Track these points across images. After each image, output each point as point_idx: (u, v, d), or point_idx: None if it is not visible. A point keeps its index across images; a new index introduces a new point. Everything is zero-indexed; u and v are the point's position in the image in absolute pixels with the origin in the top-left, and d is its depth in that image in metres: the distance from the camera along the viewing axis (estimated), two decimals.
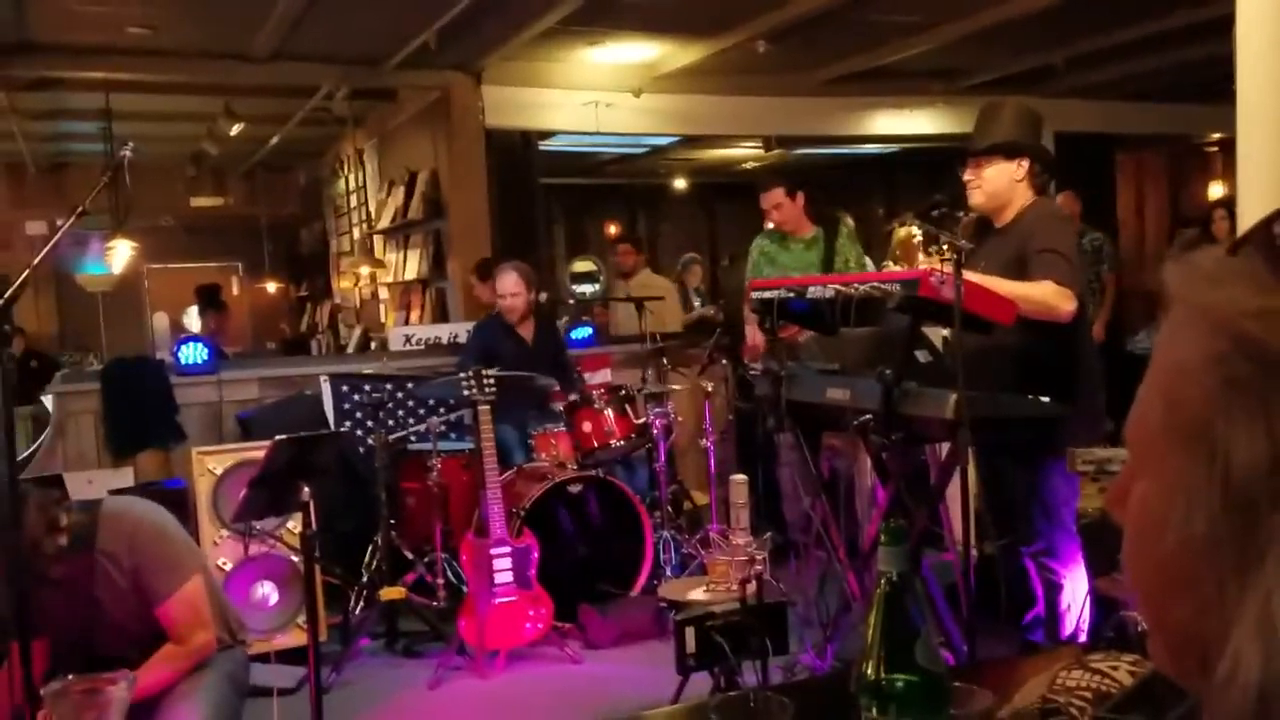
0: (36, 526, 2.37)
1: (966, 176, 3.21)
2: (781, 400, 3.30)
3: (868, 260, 5.01)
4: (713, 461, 5.21)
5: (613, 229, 13.52)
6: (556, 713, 3.82)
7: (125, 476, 4.92)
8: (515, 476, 4.74)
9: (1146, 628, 0.62)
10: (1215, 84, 5.02)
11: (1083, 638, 3.06)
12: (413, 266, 8.04)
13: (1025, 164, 3.19)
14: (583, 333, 6.50)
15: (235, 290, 12.25)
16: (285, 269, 12.21)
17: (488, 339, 5.28)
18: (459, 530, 4.71)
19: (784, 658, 3.14)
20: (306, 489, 2.55)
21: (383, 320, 8.88)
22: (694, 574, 4.72)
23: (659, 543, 4.85)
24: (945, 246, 2.69)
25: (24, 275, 2.07)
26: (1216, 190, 10.61)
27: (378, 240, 8.80)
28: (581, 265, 12.20)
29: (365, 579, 4.59)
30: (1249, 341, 0.53)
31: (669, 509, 5.13)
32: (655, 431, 5.06)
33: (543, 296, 6.75)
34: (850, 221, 5.05)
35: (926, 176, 9.03)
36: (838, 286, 3.01)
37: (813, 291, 3.18)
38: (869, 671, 0.99)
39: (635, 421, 5.06)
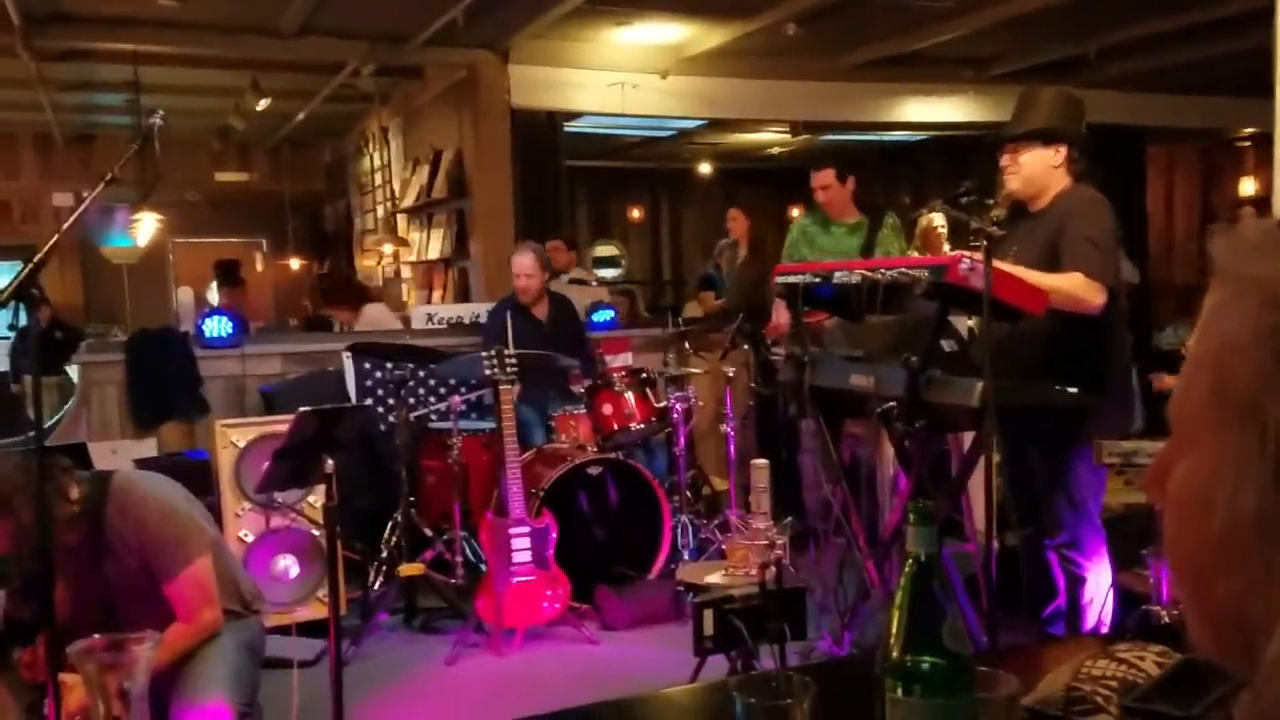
0: (47, 493, 2.38)
1: (1003, 162, 3.17)
2: (805, 386, 3.28)
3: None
4: (733, 447, 5.20)
5: (636, 212, 13.50)
6: (572, 692, 3.82)
7: (149, 447, 4.96)
8: (535, 457, 4.75)
9: (1186, 609, 0.61)
10: (1251, 77, 4.93)
11: (1104, 632, 3.04)
12: (435, 246, 8.05)
13: (1063, 151, 3.15)
14: (604, 315, 6.49)
15: (259, 266, 12.30)
16: (309, 246, 12.24)
17: (501, 321, 5.28)
18: (478, 509, 4.73)
19: (801, 643, 3.14)
20: (330, 461, 2.55)
21: (405, 299, 8.90)
22: (711, 559, 4.72)
23: (677, 527, 4.84)
24: (975, 233, 2.66)
25: (53, 240, 2.07)
26: (1248, 186, 10.48)
27: (401, 219, 8.81)
28: (604, 249, 12.20)
29: (384, 555, 4.60)
30: None
31: (688, 493, 5.12)
32: (675, 415, 5.05)
33: (564, 278, 6.77)
34: (895, 218, 5.00)
35: (954, 164, 8.96)
36: (864, 272, 2.99)
37: (839, 277, 3.16)
38: (894, 652, 0.98)
39: (656, 405, 5.05)
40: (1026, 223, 3.21)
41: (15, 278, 2.04)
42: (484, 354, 4.27)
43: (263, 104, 7.61)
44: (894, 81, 7.77)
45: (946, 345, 3.11)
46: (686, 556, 4.86)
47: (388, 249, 8.84)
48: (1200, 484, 0.56)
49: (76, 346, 5.82)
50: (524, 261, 5.27)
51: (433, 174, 7.73)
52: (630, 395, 4.99)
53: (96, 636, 0.98)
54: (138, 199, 8.55)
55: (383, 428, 5.13)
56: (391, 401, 4.86)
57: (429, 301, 7.94)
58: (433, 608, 4.52)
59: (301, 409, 2.81)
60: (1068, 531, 3.11)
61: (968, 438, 3.37)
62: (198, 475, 4.16)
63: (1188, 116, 9.01)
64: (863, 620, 3.48)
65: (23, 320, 2.12)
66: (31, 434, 2.29)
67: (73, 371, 5.68)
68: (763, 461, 3.15)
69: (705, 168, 12.54)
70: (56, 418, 5.46)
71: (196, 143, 10.30)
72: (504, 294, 5.67)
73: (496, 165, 6.92)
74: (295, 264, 12.21)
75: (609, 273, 11.20)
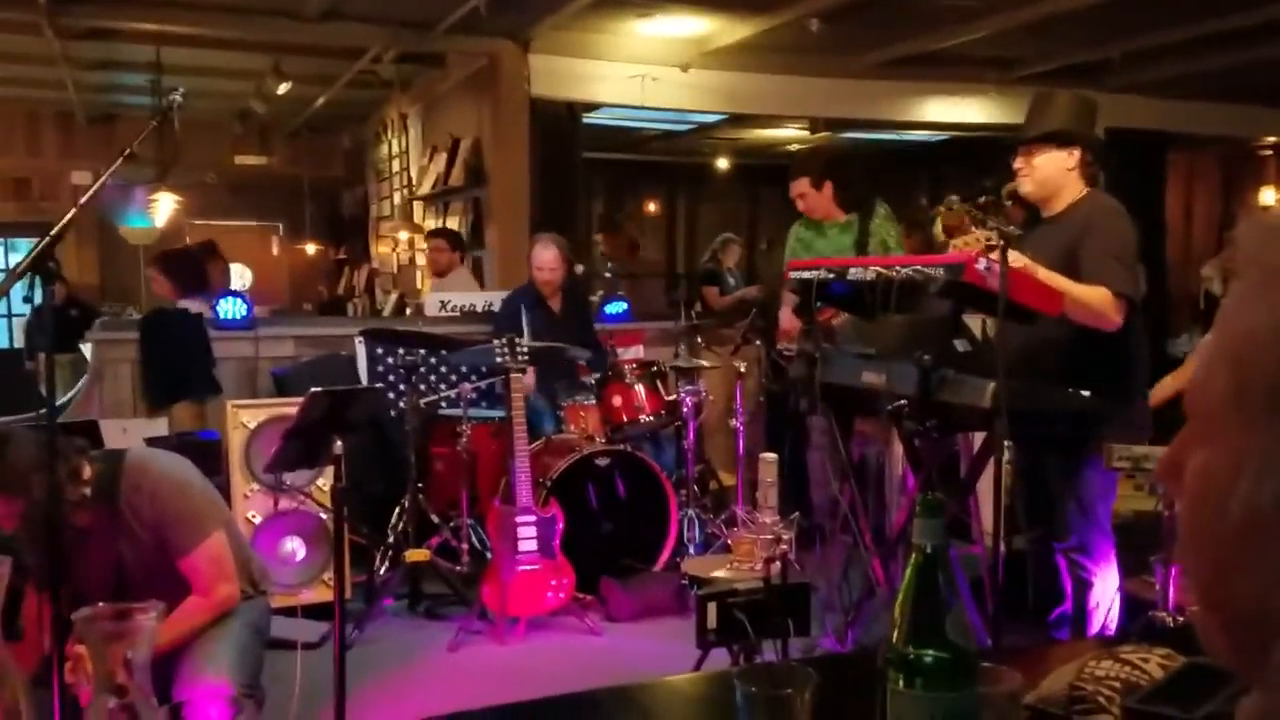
0: (60, 474, 2.39)
1: (1017, 164, 3.15)
2: (815, 382, 3.27)
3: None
4: (741, 443, 5.20)
5: (651, 206, 13.48)
6: (574, 682, 3.80)
7: (160, 426, 4.97)
8: (544, 447, 4.75)
9: (1199, 607, 0.60)
10: (1275, 86, 4.91)
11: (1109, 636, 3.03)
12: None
13: (1077, 154, 3.13)
14: (617, 308, 6.48)
15: (275, 251, 12.33)
16: (325, 231, 12.27)
17: (516, 309, 5.28)
18: (485, 497, 4.73)
19: (804, 639, 3.13)
20: (340, 442, 2.56)
21: (419, 286, 8.91)
22: (717, 553, 4.72)
23: (683, 520, 4.85)
24: (993, 233, 2.65)
25: (71, 213, 2.08)
26: (1269, 196, 10.41)
27: (418, 206, 8.83)
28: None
29: (391, 540, 4.62)
30: None
31: (695, 488, 5.12)
32: (685, 409, 5.05)
33: (579, 269, 6.76)
34: (885, 206, 4.97)
35: (974, 166, 8.92)
36: (879, 269, 2.98)
37: (853, 273, 3.15)
38: (898, 644, 0.98)
39: (666, 398, 5.05)
40: (1042, 228, 3.19)
41: (32, 250, 2.05)
42: (496, 342, 4.28)
43: (284, 88, 7.62)
44: (916, 81, 7.73)
45: (960, 345, 3.10)
46: (692, 551, 4.86)
47: (403, 236, 8.85)
48: (1217, 477, 0.55)
49: (91, 324, 5.84)
50: (546, 255, 5.26)
51: (450, 162, 7.73)
52: (640, 388, 4.99)
53: (101, 605, 0.98)
54: (156, 179, 8.58)
55: (393, 413, 5.14)
56: (402, 387, 4.87)
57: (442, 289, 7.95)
58: (437, 594, 4.53)
59: (313, 389, 2.82)
60: (1076, 536, 3.10)
61: (978, 439, 3.36)
62: (208, 455, 4.18)
63: (1210, 123, 8.94)
64: (866, 618, 3.47)
65: (38, 295, 2.13)
66: (44, 411, 2.30)
67: (86, 349, 5.71)
68: (771, 456, 3.14)
69: (723, 163, 12.51)
70: (69, 395, 5.49)
71: (217, 125, 10.32)
72: (519, 283, 5.67)
73: (514, 155, 6.92)
74: (311, 249, 12.24)
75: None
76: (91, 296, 10.23)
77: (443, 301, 6.26)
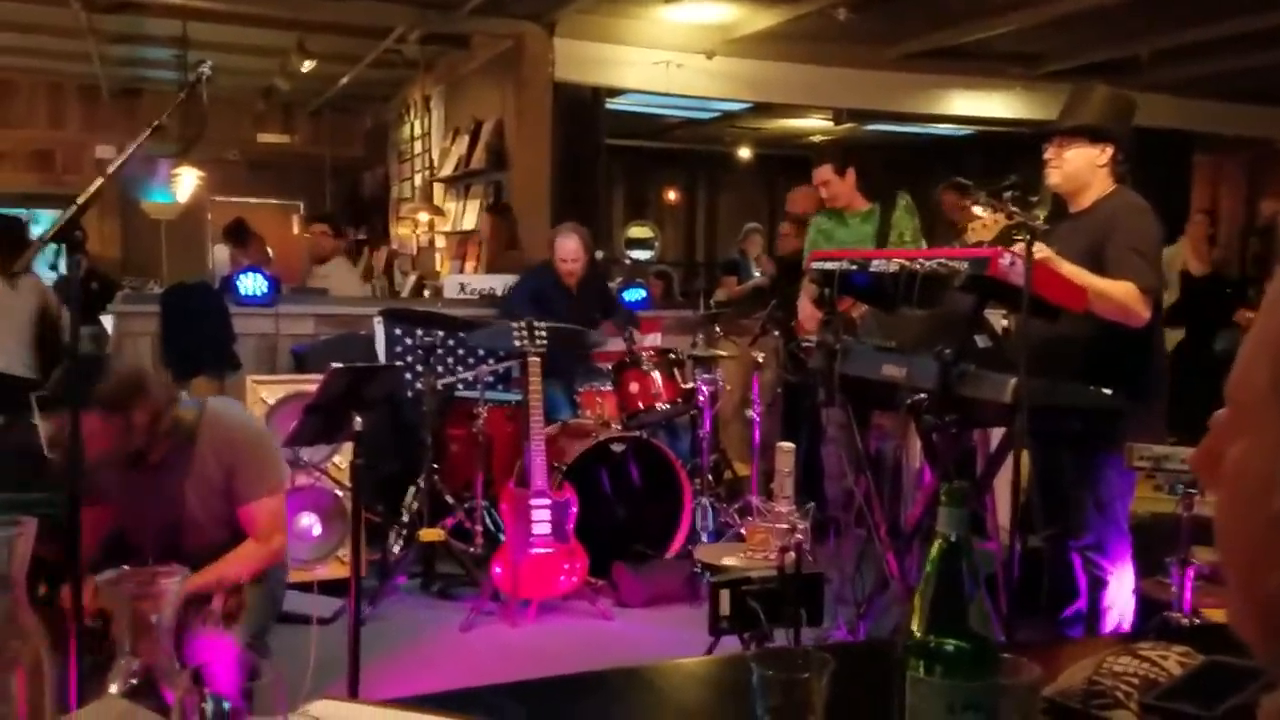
0: (147, 409, 2.51)
1: (1047, 155, 3.14)
2: (834, 373, 3.26)
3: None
4: (757, 433, 5.19)
5: (672, 194, 13.45)
6: (584, 665, 3.81)
7: None
8: (559, 431, 4.76)
9: (1233, 599, 0.59)
10: None
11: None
12: (471, 217, 8.06)
13: (1109, 151, 3.11)
14: (636, 295, 6.48)
15: (295, 229, 12.36)
16: (345, 211, 12.29)
17: (539, 286, 5.27)
18: (500, 479, 4.75)
19: (816, 630, 3.13)
20: (359, 419, 2.58)
21: (437, 269, 8.92)
22: (729, 542, 4.72)
23: (697, 509, 4.84)
24: (1018, 228, 2.63)
25: (97, 183, 2.09)
26: None
27: (438, 188, 8.83)
28: (638, 230, 12.16)
29: (405, 519, 4.64)
30: None
31: (709, 476, 5.12)
32: (701, 398, 5.04)
33: (599, 255, 6.75)
34: (907, 196, 4.95)
35: (996, 162, 8.85)
36: (902, 261, 2.96)
37: (876, 265, 3.13)
38: (918, 632, 0.98)
39: (682, 386, 5.04)
40: (1067, 223, 3.17)
41: (59, 219, 2.06)
42: (514, 325, 4.28)
43: (308, 66, 7.63)
44: (941, 74, 7.68)
45: (981, 341, 3.08)
46: (705, 539, 4.86)
47: (423, 217, 8.86)
48: (1257, 467, 0.54)
49: (112, 297, 5.88)
50: (569, 245, 5.24)
51: (472, 144, 7.73)
52: (657, 375, 4.99)
53: (125, 568, 0.99)
54: (179, 153, 8.60)
55: (410, 394, 5.15)
56: (420, 368, 4.88)
57: (461, 271, 7.96)
58: (450, 574, 4.55)
59: (334, 364, 2.84)
60: (1093, 533, 3.09)
61: (995, 435, 3.34)
62: None
63: (1237, 124, 8.86)
64: (879, 611, 3.47)
65: (62, 265, 2.15)
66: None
67: (107, 322, 5.75)
68: (789, 445, 3.14)
69: (745, 152, 12.47)
70: None
71: (240, 102, 10.34)
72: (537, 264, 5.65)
73: (536, 139, 6.91)
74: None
75: (642, 254, 11.17)
76: (112, 270, 10.29)
77: (462, 284, 6.27)
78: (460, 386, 5.08)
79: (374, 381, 2.89)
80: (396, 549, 4.58)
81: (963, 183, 3.14)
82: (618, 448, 4.68)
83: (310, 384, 3.93)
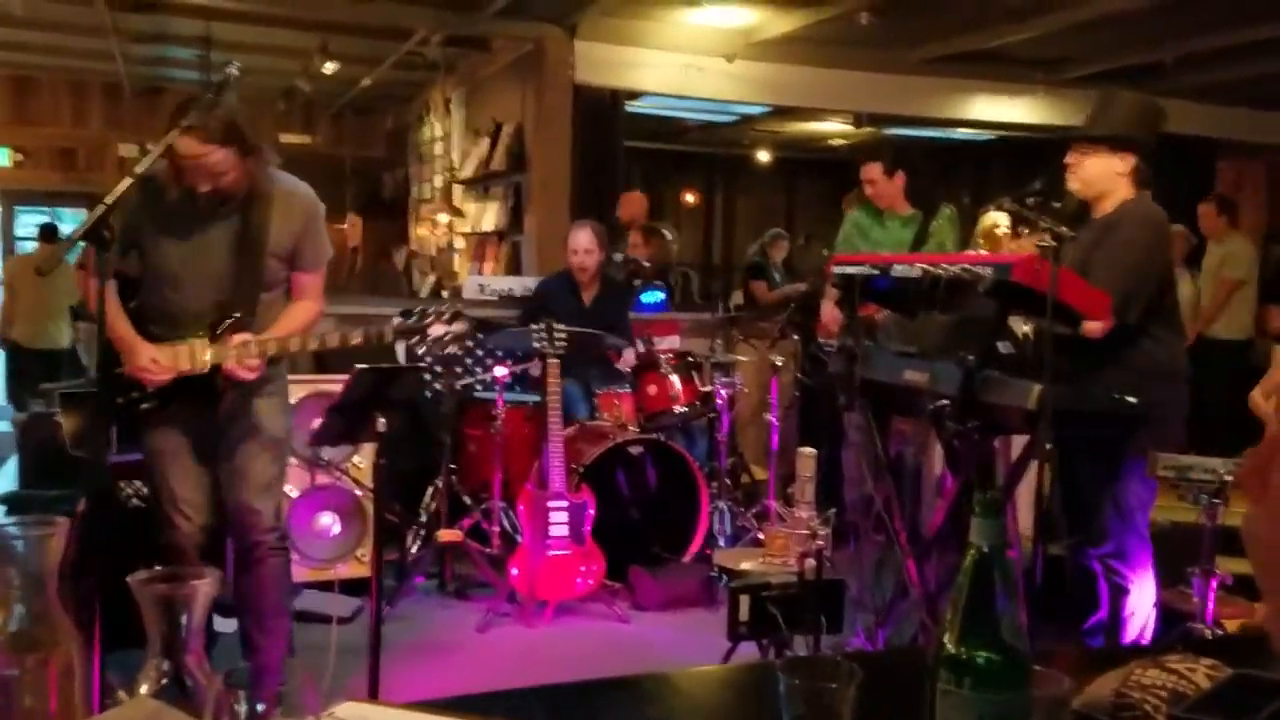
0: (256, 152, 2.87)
1: (1068, 160, 3.13)
2: (855, 378, 3.25)
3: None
4: (775, 437, 5.18)
5: (690, 197, 13.44)
6: (600, 668, 3.82)
7: None
8: (577, 433, 4.75)
9: (1272, 611, 0.59)
10: None
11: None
12: (490, 218, 8.07)
13: (1130, 160, 3.10)
14: (654, 297, 6.48)
15: None
16: (367, 213, 12.32)
17: (548, 294, 5.28)
18: (517, 480, 4.75)
19: (834, 638, 3.12)
20: (382, 420, 2.58)
21: (456, 270, 8.94)
22: (747, 546, 4.71)
23: (714, 513, 4.84)
24: (1044, 233, 2.62)
25: (125, 183, 2.10)
26: None
27: (458, 190, 8.85)
28: None
29: (423, 519, 4.65)
30: None
31: (727, 480, 5.11)
32: (719, 401, 5.04)
33: (617, 257, 6.75)
34: (951, 208, 4.90)
35: (1019, 167, 8.82)
36: (925, 266, 2.95)
37: (898, 270, 3.12)
38: (949, 644, 0.97)
39: (700, 389, 5.04)
40: (1088, 229, 3.15)
41: (89, 217, 2.08)
42: (534, 327, 4.29)
43: (330, 67, 7.66)
44: (963, 78, 7.64)
45: (1004, 347, 3.07)
46: (722, 543, 4.85)
47: (443, 219, 8.88)
48: None
49: (136, 293, 5.90)
50: (581, 238, 5.24)
51: (492, 146, 7.75)
52: (675, 378, 4.98)
53: (157, 568, 0.99)
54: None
55: (428, 394, 5.16)
56: (439, 369, 4.89)
57: (480, 273, 7.97)
58: (467, 575, 4.56)
59: (358, 365, 2.85)
60: (1113, 541, 3.07)
61: (1016, 441, 3.33)
62: None
63: (1261, 131, 8.79)
64: (898, 619, 3.45)
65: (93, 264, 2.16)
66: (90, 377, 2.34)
67: None
68: (810, 450, 3.13)
69: (764, 156, 12.45)
70: None
71: (262, 103, 10.37)
72: (556, 270, 5.66)
73: (556, 141, 6.92)
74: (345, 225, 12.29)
75: None
76: (136, 269, 10.29)
77: (481, 285, 6.27)
78: (479, 387, 5.08)
79: (398, 383, 2.90)
80: (414, 549, 4.59)
81: (1008, 207, 3.12)
82: (635, 450, 4.68)
83: (332, 383, 3.95)
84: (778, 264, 8.39)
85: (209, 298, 2.91)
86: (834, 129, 10.30)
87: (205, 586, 0.95)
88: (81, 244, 2.16)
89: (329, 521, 4.26)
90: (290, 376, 4.54)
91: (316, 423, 3.30)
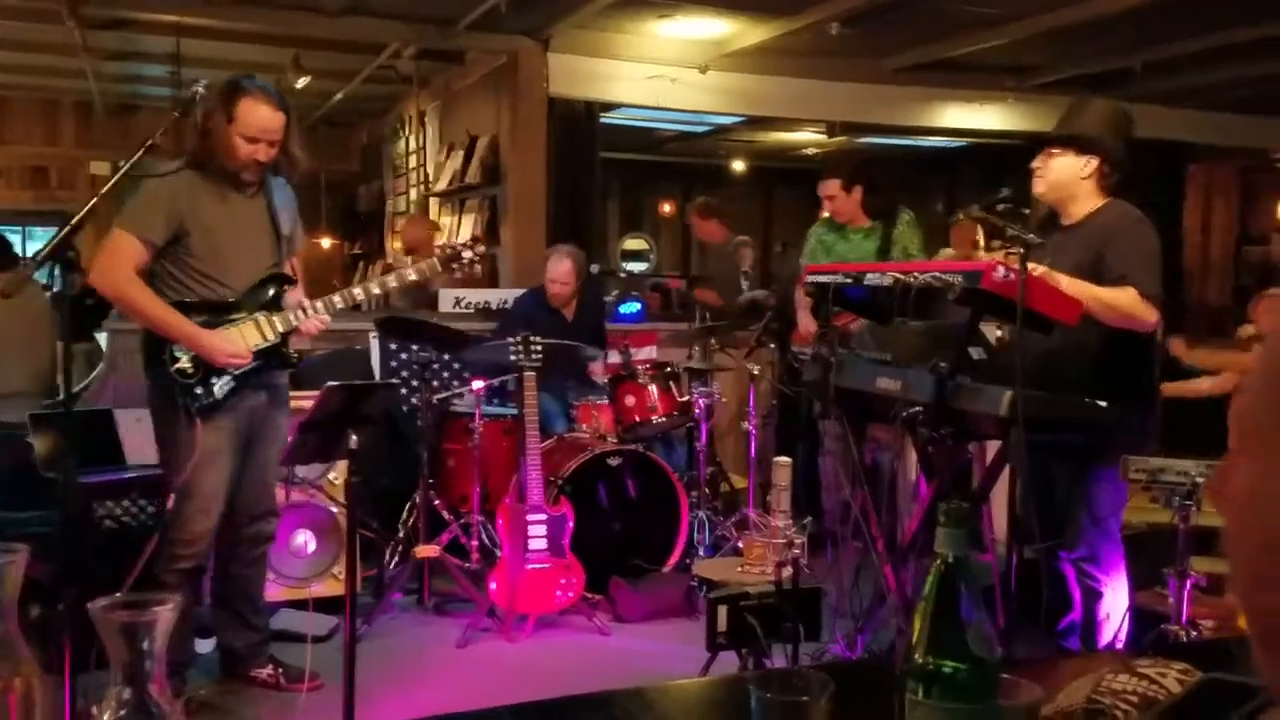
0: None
1: (1035, 163, 3.16)
2: (830, 386, 3.26)
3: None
4: (753, 446, 5.18)
5: (667, 207, 13.46)
6: (582, 681, 3.82)
7: None
8: (555, 445, 4.75)
9: (1247, 620, 0.60)
10: None
11: (1120, 649, 3.01)
12: (467, 231, 8.05)
13: (1094, 162, 3.12)
14: (631, 308, 6.49)
15: None
16: (341, 226, 12.29)
17: (527, 312, 5.28)
18: (496, 494, 4.73)
19: (814, 645, 3.12)
20: (355, 437, 2.57)
21: None
22: (726, 555, 4.71)
23: (694, 522, 4.84)
24: (1012, 239, 2.63)
25: (91, 203, 2.09)
26: None
27: (434, 203, 8.83)
28: (633, 243, 12.17)
29: (401, 535, 4.62)
30: None
31: (706, 490, 5.11)
32: (698, 411, 5.04)
33: (594, 268, 6.75)
34: (910, 213, 4.97)
35: (990, 174, 8.88)
36: (897, 274, 2.97)
37: (870, 278, 3.14)
38: (917, 654, 0.97)
39: (678, 399, 5.04)
40: (1059, 236, 3.18)
41: (52, 239, 2.06)
42: (510, 340, 4.28)
43: (302, 82, 7.63)
44: (934, 87, 7.70)
45: (975, 353, 3.08)
46: (702, 553, 4.85)
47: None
48: (1262, 487, 0.55)
49: (107, 314, 5.85)
50: (560, 269, 5.25)
51: (467, 159, 7.73)
52: (653, 388, 4.99)
53: (119, 595, 0.98)
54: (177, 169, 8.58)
55: (405, 409, 5.14)
56: (416, 383, 4.87)
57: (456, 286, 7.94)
58: (446, 590, 4.53)
59: (329, 383, 2.83)
60: (1086, 545, 3.08)
61: (990, 447, 3.34)
62: None
63: (1230, 135, 8.88)
64: (877, 625, 3.46)
65: (57, 283, 2.15)
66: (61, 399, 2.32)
67: (102, 339, 5.72)
68: (786, 459, 3.14)
69: (739, 165, 12.49)
70: (85, 383, 5.51)
71: None
72: (533, 282, 5.66)
73: (531, 153, 6.92)
74: (326, 243, 12.25)
75: (637, 266, 11.17)
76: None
77: (457, 298, 6.26)
78: (456, 401, 5.07)
79: (370, 399, 2.88)
80: (392, 565, 4.56)
81: (976, 215, 3.15)
82: (614, 461, 4.68)
83: (306, 400, 3.91)
84: (746, 271, 8.40)
85: (255, 275, 3.25)
86: (807, 138, 10.35)
87: (167, 613, 0.94)
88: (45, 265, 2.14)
89: (304, 539, 4.23)
90: None
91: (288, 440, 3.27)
